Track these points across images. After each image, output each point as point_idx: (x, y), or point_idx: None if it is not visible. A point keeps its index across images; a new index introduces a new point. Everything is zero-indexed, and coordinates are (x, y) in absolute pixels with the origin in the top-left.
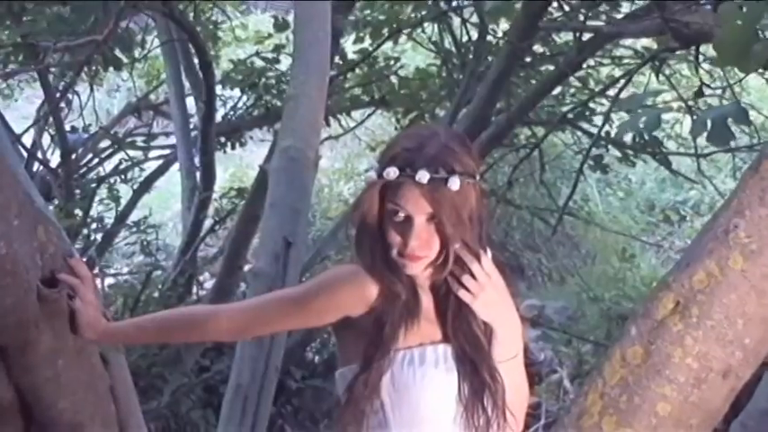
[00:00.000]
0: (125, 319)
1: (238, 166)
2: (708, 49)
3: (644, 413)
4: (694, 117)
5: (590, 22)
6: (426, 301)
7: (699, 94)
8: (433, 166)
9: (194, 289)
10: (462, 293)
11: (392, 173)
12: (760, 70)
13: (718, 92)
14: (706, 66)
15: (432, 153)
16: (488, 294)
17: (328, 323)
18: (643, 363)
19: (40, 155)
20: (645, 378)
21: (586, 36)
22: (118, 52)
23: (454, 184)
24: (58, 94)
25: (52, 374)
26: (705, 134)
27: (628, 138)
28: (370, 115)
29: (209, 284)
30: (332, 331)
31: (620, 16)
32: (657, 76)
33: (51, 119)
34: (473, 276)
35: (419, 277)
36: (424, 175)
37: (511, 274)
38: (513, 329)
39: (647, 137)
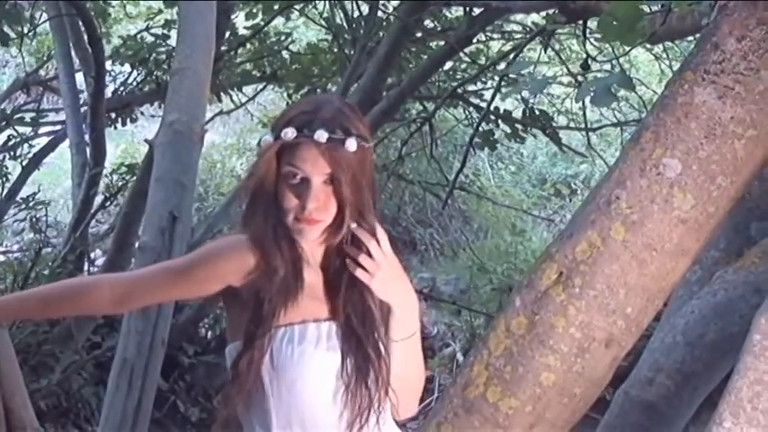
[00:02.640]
0: (7, 295)
1: (129, 142)
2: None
3: (528, 383)
4: None
5: None
6: (313, 276)
7: (585, 66)
8: (331, 127)
9: (85, 266)
10: (360, 273)
11: (290, 133)
12: (648, 45)
13: (607, 66)
14: (594, 42)
15: (328, 115)
16: (385, 273)
17: (210, 293)
18: (527, 333)
19: None
20: (529, 348)
21: (477, 11)
22: (6, 28)
23: (351, 145)
24: None
25: None
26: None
27: (518, 113)
28: (261, 90)
29: (100, 261)
30: (223, 307)
31: None
32: (546, 50)
33: None
34: (369, 255)
35: (306, 252)
36: (322, 135)
37: (402, 250)
38: (410, 308)
39: (537, 111)
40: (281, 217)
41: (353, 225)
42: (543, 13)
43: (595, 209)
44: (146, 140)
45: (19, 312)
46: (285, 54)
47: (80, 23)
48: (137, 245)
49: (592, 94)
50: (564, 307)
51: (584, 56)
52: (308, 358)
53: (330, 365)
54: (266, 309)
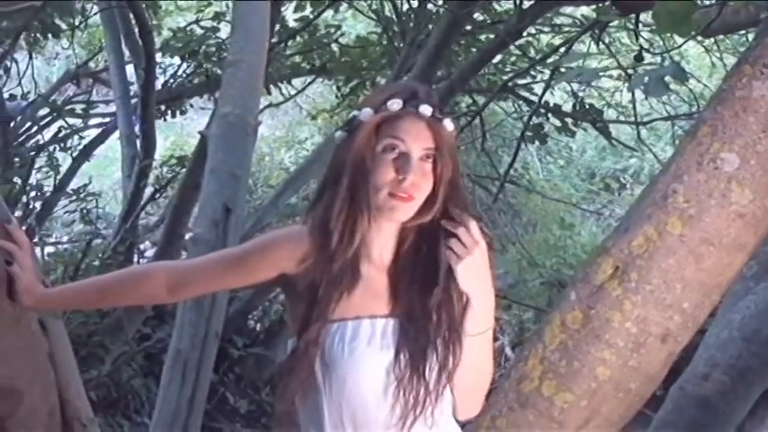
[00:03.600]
0: (61, 285)
1: (179, 134)
2: (647, 18)
3: (583, 377)
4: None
5: None
6: (372, 271)
7: (638, 58)
8: (431, 105)
9: (135, 257)
10: (449, 255)
11: (396, 104)
12: (699, 38)
13: (658, 59)
14: (645, 34)
15: (427, 95)
16: (473, 261)
17: (263, 280)
18: (582, 327)
19: None
20: (584, 343)
21: (527, 4)
22: (57, 20)
23: (449, 124)
24: None
25: None
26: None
27: (567, 107)
28: (310, 83)
29: (149, 253)
30: (284, 299)
31: None
32: (598, 44)
33: None
34: (460, 241)
35: (368, 245)
36: (427, 109)
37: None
38: (488, 302)
39: (586, 105)
40: (367, 196)
41: (452, 209)
42: (593, 6)
43: (652, 203)
44: (199, 132)
45: (74, 302)
46: (334, 46)
47: (131, 15)
48: (189, 237)
49: (644, 84)
50: (620, 301)
51: (634, 49)
52: (358, 356)
53: (382, 363)
54: (319, 302)
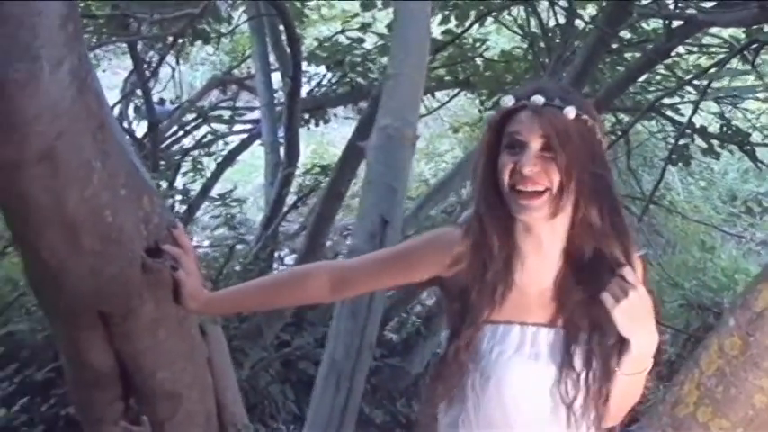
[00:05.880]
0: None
1: (319, 143)
2: None
3: (740, 405)
4: None
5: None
6: (528, 277)
7: None
8: (550, 95)
9: (274, 264)
10: (605, 296)
11: (509, 100)
12: None
13: None
14: None
15: (547, 87)
16: (632, 305)
17: (419, 281)
18: (741, 354)
19: (125, 126)
20: (742, 369)
21: (675, 23)
22: (207, 27)
23: (570, 112)
24: (145, 66)
25: (153, 343)
26: None
27: (712, 128)
28: (454, 96)
29: (289, 260)
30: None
31: (709, 4)
32: (753, 66)
33: (138, 91)
34: (623, 278)
35: (523, 250)
36: (539, 99)
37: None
38: (647, 347)
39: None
40: (500, 197)
41: (617, 256)
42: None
43: None
44: (358, 144)
45: (238, 305)
46: (479, 60)
47: (279, 24)
48: (328, 245)
49: None
50: None
51: None
52: (505, 361)
53: (528, 372)
54: (471, 307)
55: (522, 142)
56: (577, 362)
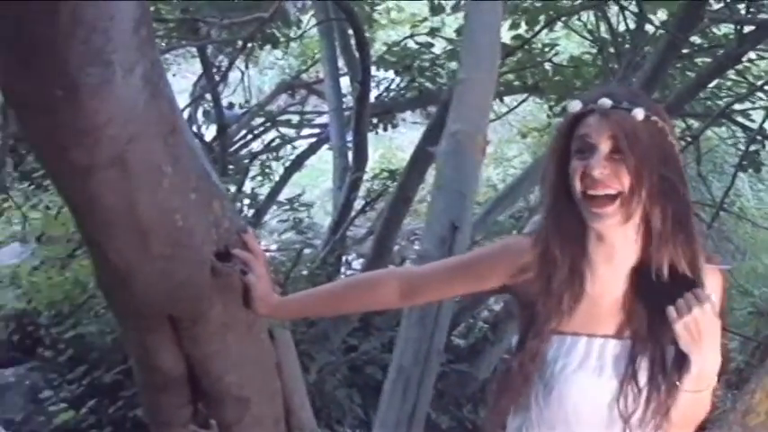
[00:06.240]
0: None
1: (388, 147)
2: None
3: None
4: None
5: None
6: (598, 287)
7: None
8: (617, 98)
9: (342, 268)
10: (669, 310)
11: (576, 105)
12: None
13: None
14: None
15: (615, 90)
16: (696, 322)
17: (488, 289)
18: None
19: (194, 129)
20: None
21: (747, 28)
22: (276, 31)
23: (639, 113)
24: (214, 70)
25: (222, 348)
26: None
27: None
28: (522, 101)
29: (356, 264)
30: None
31: None
32: None
33: (208, 95)
34: (693, 294)
35: (594, 261)
36: (606, 102)
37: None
38: (710, 366)
39: None
40: (570, 204)
41: (685, 267)
42: None
43: None
44: (428, 149)
45: (308, 310)
46: (547, 65)
47: (347, 28)
48: (416, 251)
49: None
50: None
51: None
52: (568, 375)
53: (592, 387)
54: (538, 318)
55: (591, 145)
56: (642, 375)
